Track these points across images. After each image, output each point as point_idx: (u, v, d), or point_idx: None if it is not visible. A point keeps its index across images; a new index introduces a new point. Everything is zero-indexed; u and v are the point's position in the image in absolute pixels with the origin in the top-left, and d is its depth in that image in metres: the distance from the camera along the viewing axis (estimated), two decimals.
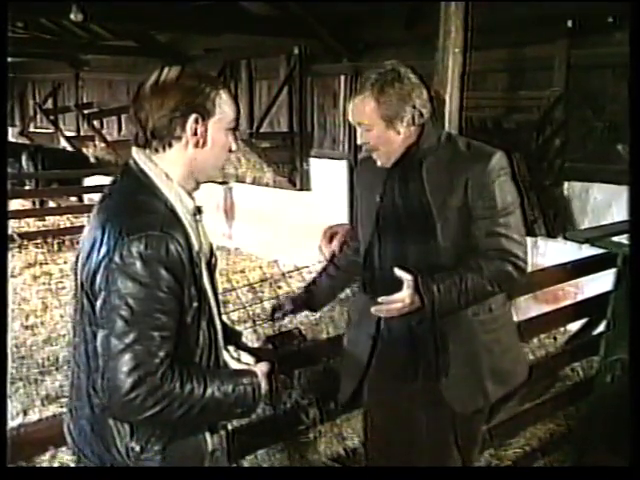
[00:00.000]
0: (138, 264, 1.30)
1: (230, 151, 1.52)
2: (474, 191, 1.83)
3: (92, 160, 9.45)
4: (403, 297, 1.79)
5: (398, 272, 1.80)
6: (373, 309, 1.85)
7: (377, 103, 1.82)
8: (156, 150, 1.45)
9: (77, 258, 1.47)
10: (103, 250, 1.34)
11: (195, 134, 1.44)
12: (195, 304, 1.41)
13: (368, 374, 2.06)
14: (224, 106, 1.47)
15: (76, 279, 1.46)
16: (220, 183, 7.64)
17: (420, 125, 1.87)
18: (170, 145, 1.44)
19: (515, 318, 2.13)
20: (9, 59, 9.32)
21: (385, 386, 2.05)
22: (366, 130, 1.87)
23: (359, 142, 1.92)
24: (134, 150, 1.48)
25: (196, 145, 1.45)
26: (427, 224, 1.86)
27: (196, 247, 1.42)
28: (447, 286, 1.80)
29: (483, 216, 1.84)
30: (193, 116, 1.42)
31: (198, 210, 1.50)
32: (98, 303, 1.35)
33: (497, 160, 1.86)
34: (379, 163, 1.93)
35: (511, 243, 1.85)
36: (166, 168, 1.45)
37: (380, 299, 1.83)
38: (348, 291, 5.42)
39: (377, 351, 2.02)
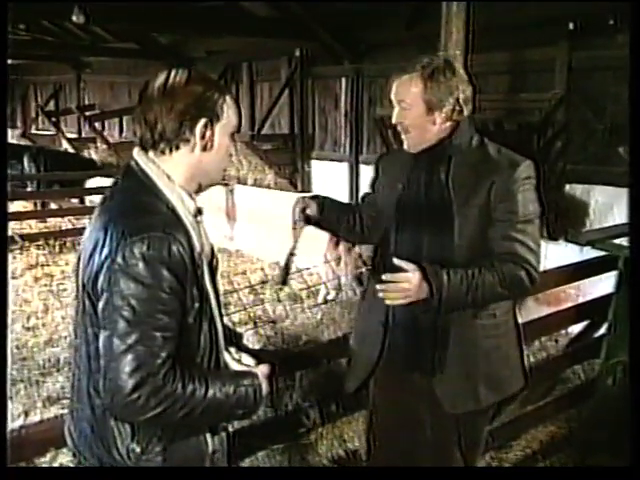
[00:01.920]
0: (140, 265, 1.30)
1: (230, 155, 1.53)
2: (497, 195, 1.84)
3: (96, 162, 9.45)
4: (408, 277, 1.76)
5: (397, 261, 1.79)
6: (377, 286, 1.80)
7: (424, 86, 1.84)
8: (162, 152, 1.45)
9: (79, 259, 1.47)
10: (105, 251, 1.34)
11: (203, 138, 1.45)
12: (197, 305, 1.41)
13: (378, 364, 2.04)
14: (229, 111, 1.48)
15: (78, 280, 1.46)
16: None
17: (456, 122, 1.89)
18: (177, 148, 1.45)
19: (520, 320, 2.11)
20: (11, 61, 9.36)
21: (389, 379, 2.05)
22: (404, 109, 1.88)
23: (394, 121, 1.92)
24: (135, 151, 1.48)
25: (203, 149, 1.46)
26: (446, 219, 1.87)
27: (198, 248, 1.42)
28: (457, 278, 1.78)
29: (502, 219, 1.85)
30: (203, 120, 1.43)
31: (199, 211, 1.50)
32: (100, 304, 1.35)
33: (524, 169, 1.87)
34: (406, 146, 1.94)
35: (525, 250, 1.85)
36: (169, 170, 1.45)
37: (384, 277, 1.78)
38: (350, 293, 5.41)
39: (387, 340, 2.00)
